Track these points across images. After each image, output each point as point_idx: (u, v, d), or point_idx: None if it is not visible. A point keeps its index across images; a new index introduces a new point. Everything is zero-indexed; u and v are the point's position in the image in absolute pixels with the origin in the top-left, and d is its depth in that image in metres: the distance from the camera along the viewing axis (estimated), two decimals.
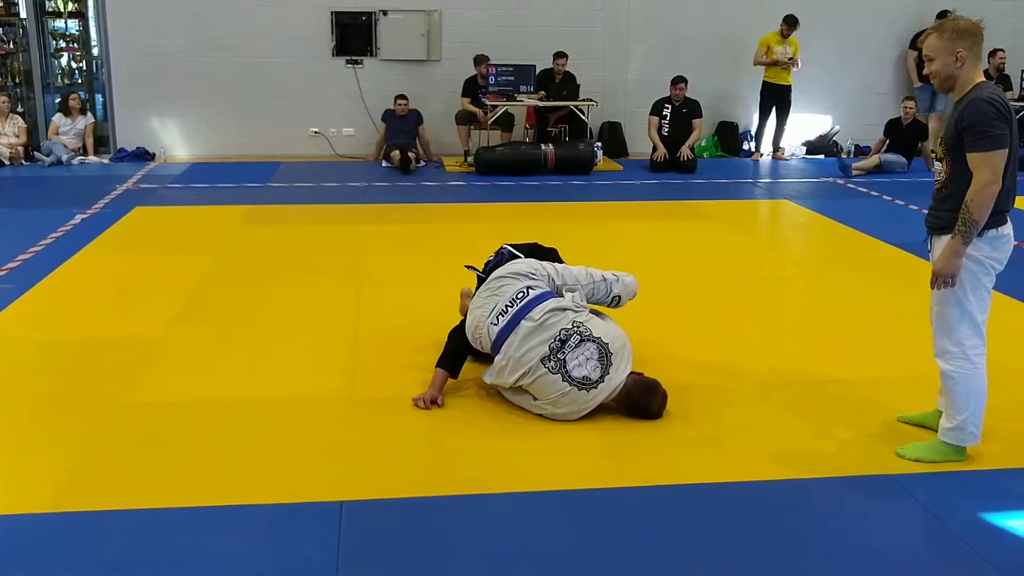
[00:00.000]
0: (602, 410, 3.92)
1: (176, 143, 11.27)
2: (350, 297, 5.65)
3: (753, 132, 11.83)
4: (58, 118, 10.97)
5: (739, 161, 11.66)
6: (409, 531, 3.10)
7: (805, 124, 11.96)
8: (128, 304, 5.49)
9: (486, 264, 4.50)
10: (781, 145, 11.64)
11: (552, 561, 2.94)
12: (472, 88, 10.93)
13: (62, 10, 11.81)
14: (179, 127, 11.26)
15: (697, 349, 4.82)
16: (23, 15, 11.42)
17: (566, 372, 3.83)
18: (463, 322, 4.30)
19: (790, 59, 11.04)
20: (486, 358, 4.29)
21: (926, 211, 3.56)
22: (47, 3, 11.63)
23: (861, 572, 2.91)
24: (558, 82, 10.91)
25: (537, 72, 10.80)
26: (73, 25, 11.95)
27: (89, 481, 3.41)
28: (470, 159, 10.55)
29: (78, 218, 7.77)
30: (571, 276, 4.30)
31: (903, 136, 10.81)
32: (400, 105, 10.73)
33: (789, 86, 11.26)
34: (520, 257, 4.45)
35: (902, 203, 8.84)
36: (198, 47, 10.95)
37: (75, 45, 12.05)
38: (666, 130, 10.78)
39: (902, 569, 2.94)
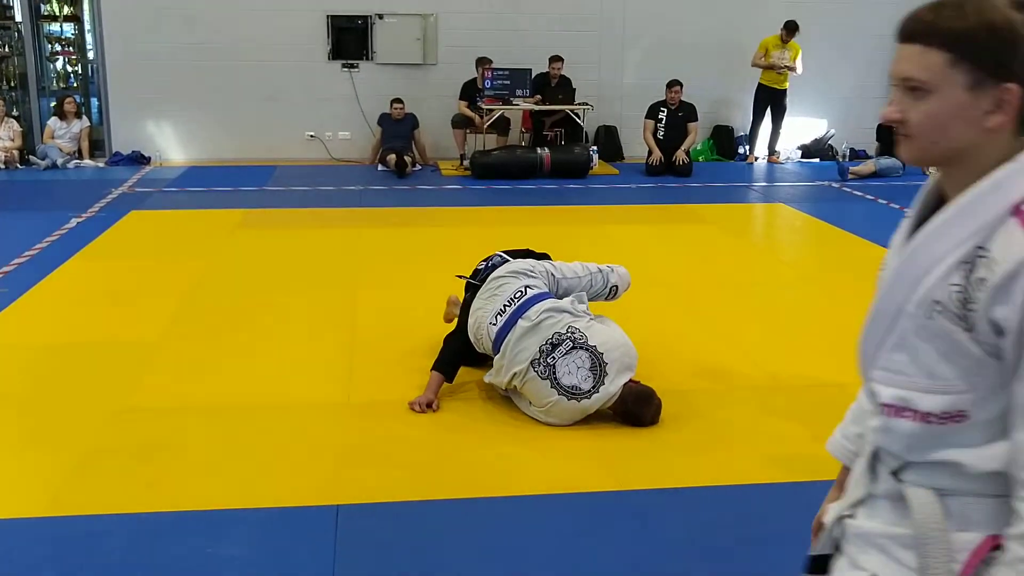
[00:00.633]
0: (598, 414, 3.92)
1: (172, 147, 11.25)
2: (346, 301, 5.64)
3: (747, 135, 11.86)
4: (53, 122, 10.94)
5: (735, 165, 11.67)
6: (405, 535, 3.09)
7: (800, 128, 11.98)
8: (123, 308, 5.47)
9: (475, 271, 4.43)
10: (777, 149, 11.67)
11: (548, 565, 2.94)
12: (471, 91, 10.91)
13: (57, 14, 11.80)
14: (175, 131, 11.24)
15: (693, 353, 4.82)
16: (18, 19, 11.41)
17: (555, 379, 3.82)
18: (458, 328, 4.30)
19: (787, 66, 11.07)
20: (481, 364, 4.30)
21: None
22: (42, 7, 11.61)
23: None
24: (554, 86, 10.90)
25: (533, 76, 10.80)
26: (68, 29, 11.94)
27: (84, 485, 3.40)
28: (466, 163, 10.55)
29: (73, 222, 7.75)
30: (569, 270, 4.32)
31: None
32: (396, 109, 10.73)
33: (784, 90, 11.27)
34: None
35: (897, 207, 8.85)
36: (194, 51, 10.93)
37: (70, 49, 12.02)
38: (662, 134, 10.79)
39: None
